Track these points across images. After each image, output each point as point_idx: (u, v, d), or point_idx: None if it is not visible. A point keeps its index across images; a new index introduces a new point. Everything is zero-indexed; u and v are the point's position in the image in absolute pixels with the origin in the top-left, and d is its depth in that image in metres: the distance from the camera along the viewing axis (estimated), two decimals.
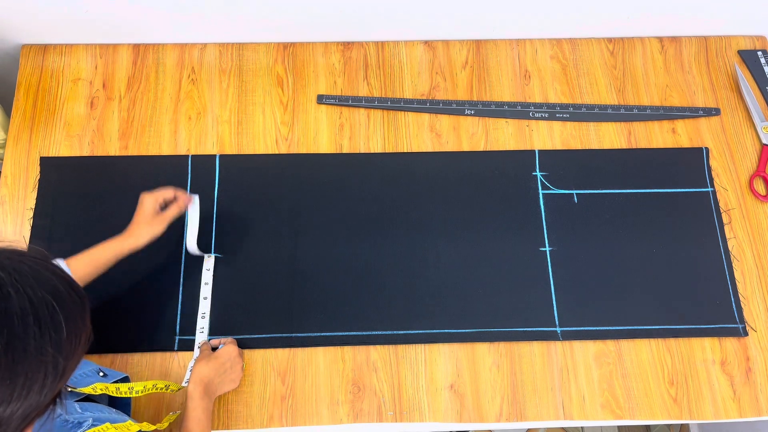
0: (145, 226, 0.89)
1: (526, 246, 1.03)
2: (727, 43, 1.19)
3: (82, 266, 0.85)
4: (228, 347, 0.90)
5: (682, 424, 1.69)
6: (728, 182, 1.08)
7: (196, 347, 0.93)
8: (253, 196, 1.04)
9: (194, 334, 0.95)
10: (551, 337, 0.97)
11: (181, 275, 0.99)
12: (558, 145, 1.10)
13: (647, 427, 1.69)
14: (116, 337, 0.95)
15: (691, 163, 1.09)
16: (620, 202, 1.06)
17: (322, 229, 1.03)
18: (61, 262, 0.83)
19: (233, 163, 1.06)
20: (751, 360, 0.97)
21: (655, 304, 0.99)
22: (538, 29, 1.16)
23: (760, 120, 1.12)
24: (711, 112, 1.13)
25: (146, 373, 0.94)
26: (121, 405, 0.84)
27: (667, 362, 0.97)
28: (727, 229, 1.05)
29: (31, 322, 0.48)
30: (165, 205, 0.93)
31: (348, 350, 0.96)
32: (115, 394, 0.77)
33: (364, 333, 0.97)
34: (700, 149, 1.10)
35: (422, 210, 1.04)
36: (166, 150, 1.07)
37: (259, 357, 0.95)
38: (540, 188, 1.06)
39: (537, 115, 1.12)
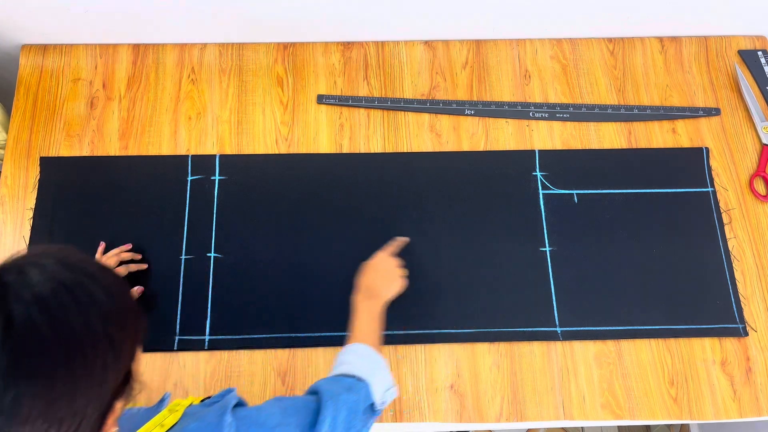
0: None
1: (526, 246, 1.02)
2: (727, 43, 1.19)
3: None
4: (380, 256, 0.94)
5: (682, 424, 1.69)
6: (728, 182, 1.08)
7: None
8: (253, 196, 1.04)
9: (194, 334, 0.95)
10: (551, 337, 0.97)
11: (181, 275, 0.99)
12: (558, 145, 1.10)
13: (647, 427, 1.69)
14: None
15: (691, 163, 1.09)
16: (620, 202, 1.06)
17: (322, 229, 1.03)
18: None
19: (233, 163, 1.06)
20: (751, 360, 0.97)
21: (655, 304, 0.99)
22: (538, 29, 1.16)
23: (760, 120, 1.12)
24: (711, 112, 1.13)
25: (146, 374, 0.94)
26: None
27: (667, 362, 0.97)
28: (727, 229, 1.05)
29: (68, 300, 0.46)
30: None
31: None
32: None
33: None
34: (700, 149, 1.10)
35: (422, 210, 1.04)
36: (166, 150, 1.07)
37: (259, 357, 0.95)
38: (540, 188, 1.06)
39: (537, 115, 1.12)
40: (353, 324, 0.85)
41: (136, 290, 0.95)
